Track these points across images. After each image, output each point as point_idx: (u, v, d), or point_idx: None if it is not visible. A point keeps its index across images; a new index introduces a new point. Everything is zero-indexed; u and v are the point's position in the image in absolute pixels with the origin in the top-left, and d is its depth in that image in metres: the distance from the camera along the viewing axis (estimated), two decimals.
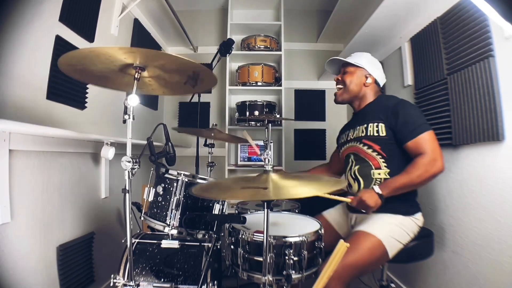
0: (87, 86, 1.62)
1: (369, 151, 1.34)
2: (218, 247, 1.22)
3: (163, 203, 1.25)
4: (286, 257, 0.98)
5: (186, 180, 1.24)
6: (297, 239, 1.02)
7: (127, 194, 0.97)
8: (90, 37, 1.64)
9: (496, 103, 1.22)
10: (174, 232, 1.20)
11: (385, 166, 1.31)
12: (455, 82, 1.45)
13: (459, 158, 1.47)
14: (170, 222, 1.20)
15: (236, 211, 1.65)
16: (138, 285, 1.08)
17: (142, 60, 0.95)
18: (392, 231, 1.22)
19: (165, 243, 1.18)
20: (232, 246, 1.09)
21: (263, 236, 0.91)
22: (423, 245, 1.30)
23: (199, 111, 2.18)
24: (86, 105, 1.63)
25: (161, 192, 1.26)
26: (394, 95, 1.49)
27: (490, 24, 1.25)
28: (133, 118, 0.98)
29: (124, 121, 0.97)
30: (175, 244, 1.18)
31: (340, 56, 1.55)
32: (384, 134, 1.31)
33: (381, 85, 1.50)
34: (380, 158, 1.32)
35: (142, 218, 1.32)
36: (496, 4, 0.59)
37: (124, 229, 1.96)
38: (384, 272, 1.42)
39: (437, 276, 1.60)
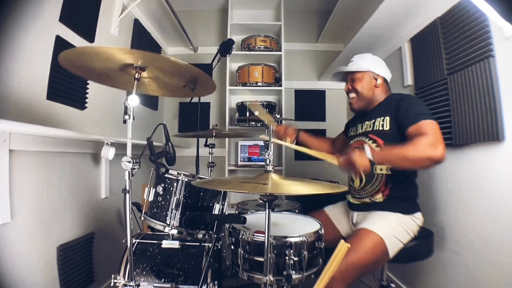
0: (88, 86, 1.62)
1: (373, 145, 1.33)
2: (219, 247, 1.22)
3: (163, 203, 1.25)
4: (287, 257, 0.99)
5: (186, 180, 1.24)
6: (297, 239, 1.02)
7: (127, 194, 0.97)
8: (90, 37, 1.64)
9: (496, 103, 1.22)
10: (174, 232, 1.20)
11: None
12: (455, 82, 1.45)
13: (459, 158, 1.47)
14: (170, 222, 1.20)
15: (236, 212, 1.65)
16: (139, 285, 1.08)
17: (142, 61, 0.96)
18: (393, 229, 1.23)
19: (165, 243, 1.18)
20: (232, 246, 1.10)
21: (264, 236, 0.91)
22: (423, 245, 1.30)
23: (199, 111, 2.18)
24: (86, 105, 1.63)
25: (161, 192, 1.26)
26: None
27: (490, 24, 1.25)
28: (133, 118, 0.98)
29: (124, 121, 0.97)
30: (175, 244, 1.18)
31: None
32: (388, 128, 1.31)
33: (389, 80, 1.49)
34: None
35: (142, 218, 1.32)
36: (496, 4, 0.59)
37: (124, 229, 1.95)
38: (384, 272, 1.43)
39: (437, 276, 1.60)
